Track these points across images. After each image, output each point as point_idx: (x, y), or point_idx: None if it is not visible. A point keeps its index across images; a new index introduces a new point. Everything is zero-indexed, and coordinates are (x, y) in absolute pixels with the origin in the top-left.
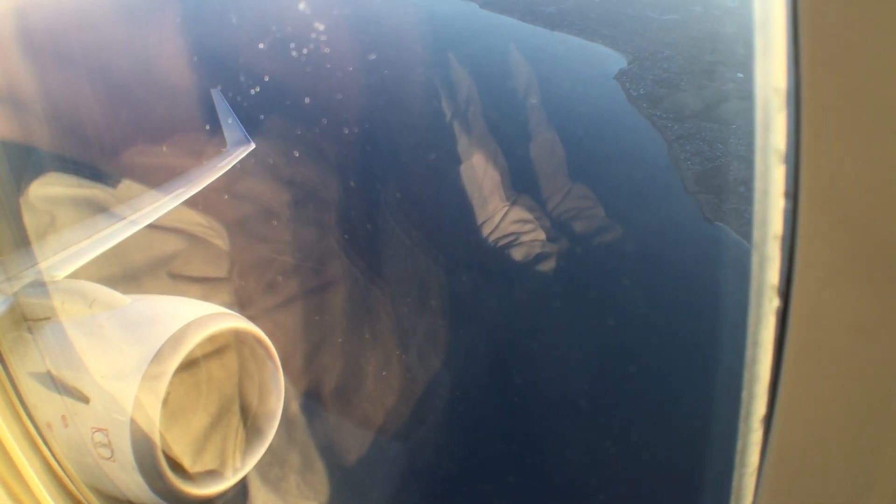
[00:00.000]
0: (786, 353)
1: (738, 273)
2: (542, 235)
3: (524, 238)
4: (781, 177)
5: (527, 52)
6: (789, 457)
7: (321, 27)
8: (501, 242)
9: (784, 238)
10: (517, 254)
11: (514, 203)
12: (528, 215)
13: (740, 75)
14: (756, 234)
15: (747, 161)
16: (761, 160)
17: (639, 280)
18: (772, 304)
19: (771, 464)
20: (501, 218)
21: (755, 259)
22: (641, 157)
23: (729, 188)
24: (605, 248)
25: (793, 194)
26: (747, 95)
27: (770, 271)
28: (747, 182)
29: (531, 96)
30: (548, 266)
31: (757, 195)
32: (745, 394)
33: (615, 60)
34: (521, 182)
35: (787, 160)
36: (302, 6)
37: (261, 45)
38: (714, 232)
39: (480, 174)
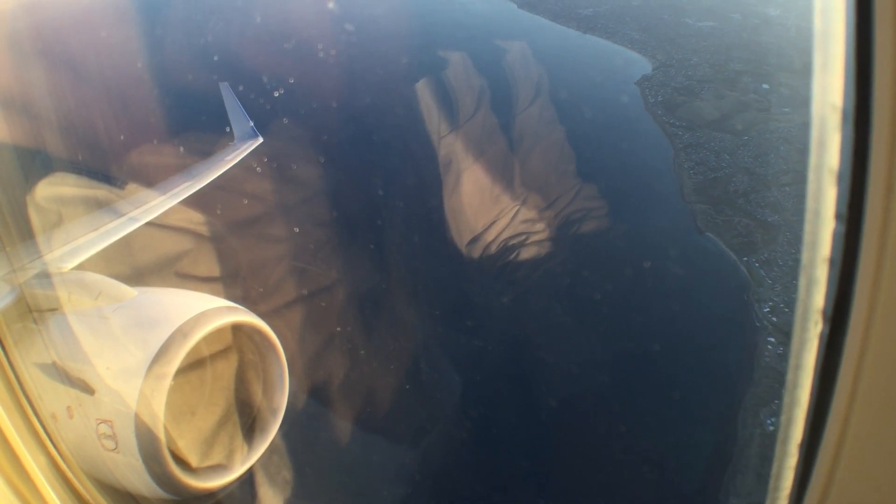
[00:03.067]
0: (839, 382)
1: (718, 285)
2: (537, 237)
3: (527, 240)
4: (833, 198)
5: (553, 54)
6: (836, 491)
7: (350, 26)
8: (494, 244)
9: (833, 262)
10: (514, 255)
11: (515, 204)
12: (528, 216)
13: (765, 86)
14: (804, 256)
15: (751, 173)
16: (814, 180)
17: (615, 286)
18: (816, 328)
19: (814, 494)
20: (501, 218)
21: (801, 281)
22: (645, 164)
23: (727, 200)
24: (592, 251)
25: (845, 217)
26: (766, 107)
27: (817, 295)
28: (747, 194)
29: (546, 99)
30: (539, 269)
31: (808, 216)
32: (783, 417)
33: (640, 65)
34: (523, 184)
35: (839, 181)
36: (333, 5)
37: (287, 45)
38: (702, 243)
39: (483, 175)
